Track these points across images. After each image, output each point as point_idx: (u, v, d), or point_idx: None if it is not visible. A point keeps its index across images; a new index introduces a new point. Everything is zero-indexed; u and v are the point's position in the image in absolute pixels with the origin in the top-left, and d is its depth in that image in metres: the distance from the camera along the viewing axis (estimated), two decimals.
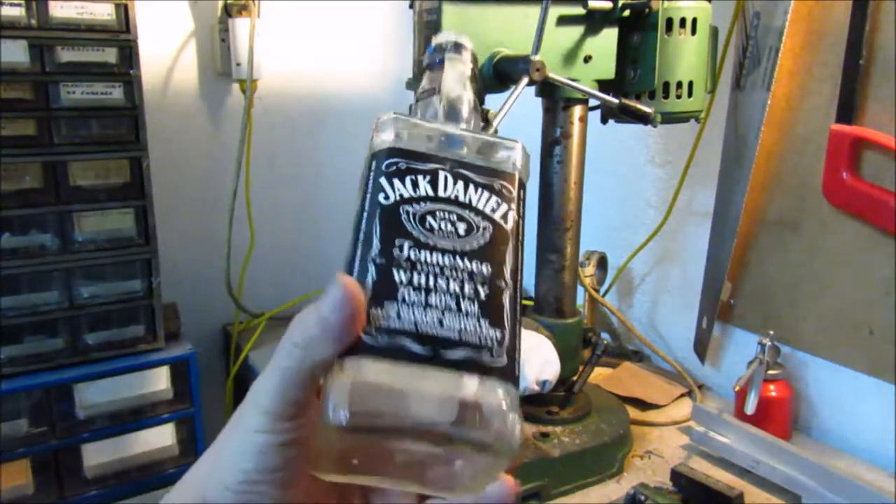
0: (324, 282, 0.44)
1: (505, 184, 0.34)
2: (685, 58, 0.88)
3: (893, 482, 0.85)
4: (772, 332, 0.98)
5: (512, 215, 0.33)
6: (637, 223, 1.29)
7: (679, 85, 0.89)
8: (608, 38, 0.87)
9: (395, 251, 0.31)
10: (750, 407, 0.95)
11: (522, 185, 0.35)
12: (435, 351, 0.29)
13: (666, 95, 0.89)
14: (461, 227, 0.32)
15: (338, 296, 0.30)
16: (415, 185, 0.33)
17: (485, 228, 0.32)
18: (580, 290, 1.10)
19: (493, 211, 0.33)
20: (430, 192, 0.33)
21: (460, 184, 0.33)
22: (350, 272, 0.31)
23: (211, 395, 1.42)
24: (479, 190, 0.33)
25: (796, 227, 1.01)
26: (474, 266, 0.31)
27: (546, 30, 0.78)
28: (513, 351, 0.30)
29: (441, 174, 0.33)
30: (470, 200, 0.33)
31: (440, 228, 0.32)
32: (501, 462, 0.29)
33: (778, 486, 0.87)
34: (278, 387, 0.31)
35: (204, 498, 0.32)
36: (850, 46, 0.91)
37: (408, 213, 0.32)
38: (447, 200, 0.32)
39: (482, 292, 0.31)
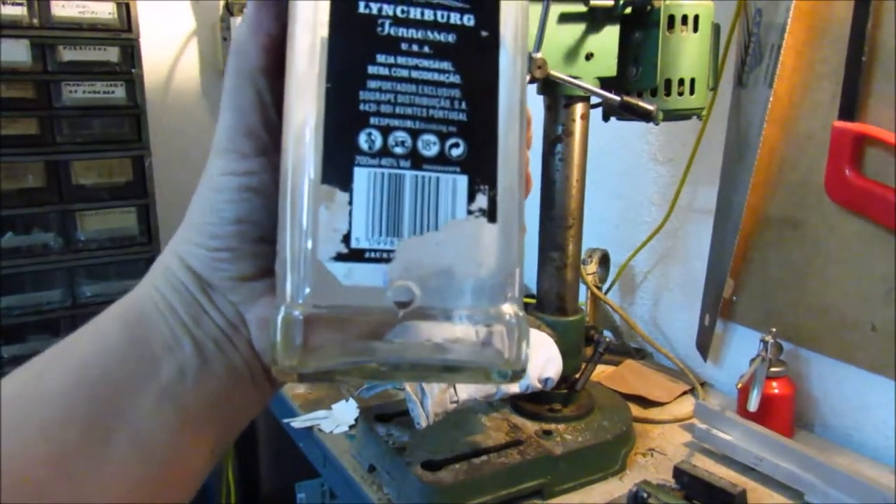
0: None
1: None
2: (687, 55, 0.88)
3: None
4: (774, 330, 0.98)
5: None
6: (639, 221, 1.29)
7: (681, 82, 0.89)
8: (610, 35, 0.87)
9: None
10: (752, 404, 0.95)
11: None
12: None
13: (668, 93, 0.89)
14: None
15: None
16: None
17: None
18: (582, 287, 1.10)
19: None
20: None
21: None
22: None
23: None
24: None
25: (799, 225, 1.01)
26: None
27: (547, 27, 0.78)
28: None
29: None
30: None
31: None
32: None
33: (781, 483, 0.87)
34: (230, 118, 0.31)
35: (181, 256, 0.33)
36: (852, 43, 0.91)
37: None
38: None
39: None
